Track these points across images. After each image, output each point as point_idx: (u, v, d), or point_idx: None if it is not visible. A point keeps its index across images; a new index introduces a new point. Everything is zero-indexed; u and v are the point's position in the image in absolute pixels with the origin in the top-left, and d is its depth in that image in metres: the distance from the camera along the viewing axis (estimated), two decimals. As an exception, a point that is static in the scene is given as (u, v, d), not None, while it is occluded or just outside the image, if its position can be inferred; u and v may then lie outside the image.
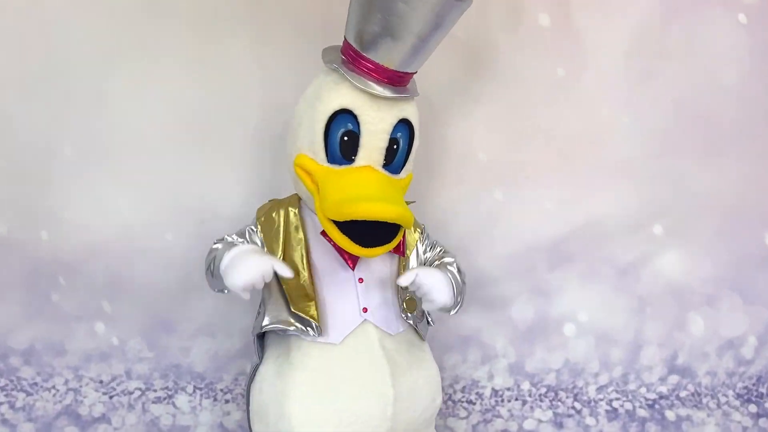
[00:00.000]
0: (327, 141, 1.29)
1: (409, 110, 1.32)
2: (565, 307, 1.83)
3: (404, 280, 1.27)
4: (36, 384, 1.74)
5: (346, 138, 1.28)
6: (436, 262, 1.44)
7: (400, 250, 1.41)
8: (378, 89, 1.25)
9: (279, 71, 1.66)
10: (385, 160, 1.31)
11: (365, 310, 1.35)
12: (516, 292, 1.81)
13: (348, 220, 1.17)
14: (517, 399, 1.80)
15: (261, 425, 1.35)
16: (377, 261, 1.38)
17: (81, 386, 1.74)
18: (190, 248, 1.69)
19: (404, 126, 1.32)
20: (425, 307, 1.31)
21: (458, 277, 1.39)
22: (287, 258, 1.35)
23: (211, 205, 1.71)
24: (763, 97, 1.79)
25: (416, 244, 1.44)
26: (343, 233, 1.20)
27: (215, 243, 1.37)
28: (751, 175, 1.80)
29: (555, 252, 1.80)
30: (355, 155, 1.28)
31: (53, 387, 1.73)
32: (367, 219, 1.16)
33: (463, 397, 1.78)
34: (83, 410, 1.72)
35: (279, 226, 1.38)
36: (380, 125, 1.28)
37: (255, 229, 1.39)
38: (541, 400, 1.81)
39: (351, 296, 1.36)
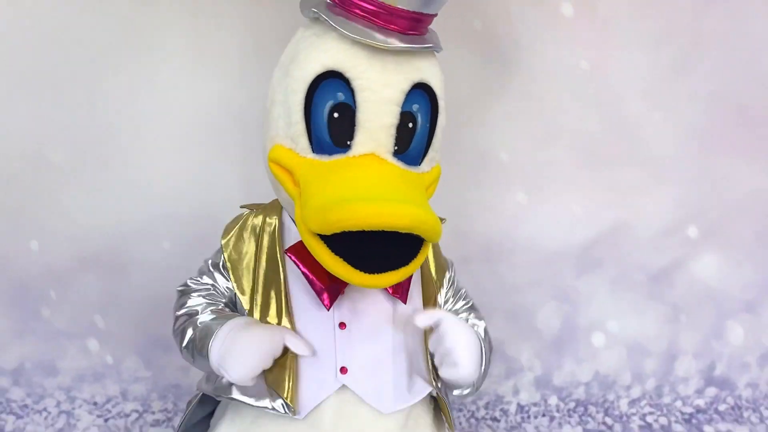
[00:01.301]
0: (309, 121, 0.93)
1: (428, 71, 0.95)
2: (594, 316, 1.79)
3: (424, 320, 0.98)
4: (26, 406, 1.67)
5: (336, 114, 0.92)
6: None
7: (401, 290, 1.01)
8: (380, 38, 0.90)
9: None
10: (396, 145, 0.94)
11: (344, 370, 0.98)
12: (541, 300, 1.76)
13: (338, 231, 0.83)
14: (544, 415, 1.75)
15: None
16: (368, 298, 1.01)
17: (74, 408, 1.68)
18: (189, 257, 1.58)
19: (422, 94, 0.95)
20: (443, 374, 0.99)
21: (486, 346, 1.06)
22: (263, 296, 1.02)
23: (212, 211, 1.61)
24: None
25: (437, 288, 1.10)
26: (335, 253, 0.85)
27: (178, 304, 1.07)
28: None
29: (583, 257, 1.75)
30: (351, 139, 0.92)
31: (44, 409, 1.67)
32: (368, 228, 0.81)
33: (487, 414, 1.72)
34: None
35: (250, 254, 1.05)
36: (386, 92, 0.91)
37: (221, 265, 1.06)
38: (570, 416, 1.76)
39: (325, 349, 0.99)
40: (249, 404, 0.95)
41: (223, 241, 1.06)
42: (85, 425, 1.65)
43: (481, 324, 1.11)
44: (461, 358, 0.94)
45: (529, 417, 1.73)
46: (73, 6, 1.60)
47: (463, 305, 1.12)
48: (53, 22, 1.60)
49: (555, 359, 1.79)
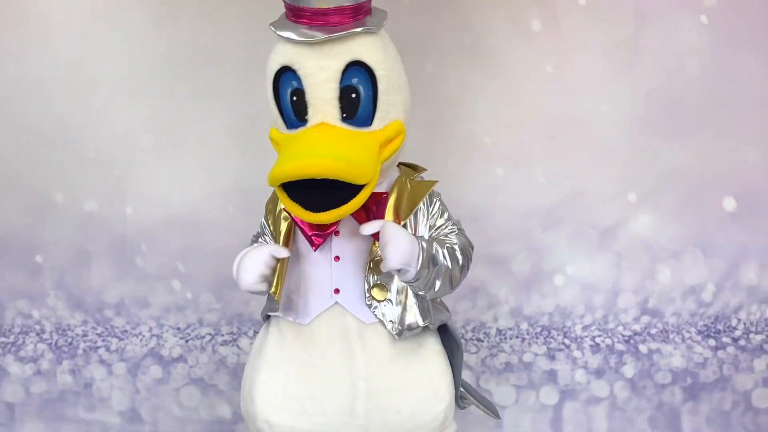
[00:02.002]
0: (280, 106, 1.16)
1: (361, 50, 1.10)
2: (556, 262, 2.13)
3: (366, 228, 1.09)
4: (126, 331, 2.09)
5: (294, 97, 1.13)
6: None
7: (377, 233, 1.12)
8: (307, 34, 1.08)
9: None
10: (344, 113, 1.11)
11: (336, 291, 1.20)
12: (515, 250, 2.11)
13: (276, 184, 1.04)
14: (517, 337, 2.13)
15: (241, 399, 1.29)
16: (358, 239, 1.17)
17: (162, 333, 2.10)
18: (248, 219, 1.97)
19: (360, 70, 1.10)
20: (382, 266, 1.10)
21: (440, 253, 1.14)
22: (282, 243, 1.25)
23: (265, 184, 2.04)
24: (721, 87, 2.10)
25: (413, 215, 1.20)
26: (292, 199, 1.04)
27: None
28: (710, 151, 2.11)
29: (547, 217, 2.11)
30: (306, 114, 1.12)
31: (140, 333, 2.09)
32: (293, 178, 1.01)
33: (473, 336, 2.11)
34: (165, 352, 2.09)
35: (279, 209, 1.28)
36: (322, 74, 1.09)
37: (266, 222, 1.33)
38: (536, 338, 2.14)
39: (324, 275, 1.21)
40: (276, 316, 1.25)
41: (267, 203, 1.37)
42: (171, 345, 2.08)
43: (454, 241, 1.20)
44: (388, 252, 1.05)
45: (505, 338, 2.12)
46: (155, 27, 2.01)
47: (444, 223, 1.23)
48: (143, 40, 2.01)
49: (525, 295, 2.12)
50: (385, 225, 1.08)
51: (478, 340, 2.13)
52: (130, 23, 2.03)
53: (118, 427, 2.09)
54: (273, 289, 1.18)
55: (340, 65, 1.08)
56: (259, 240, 1.31)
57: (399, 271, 1.09)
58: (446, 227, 1.22)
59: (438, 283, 1.13)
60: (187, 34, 2.03)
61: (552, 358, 2.14)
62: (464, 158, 2.06)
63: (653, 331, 2.17)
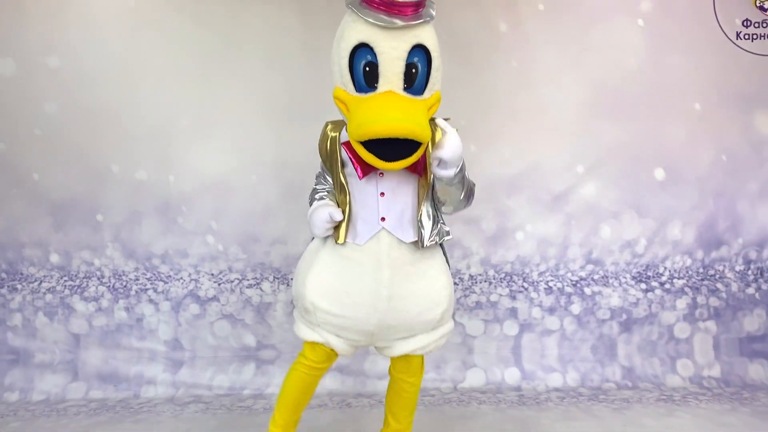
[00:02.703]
0: (353, 73, 1.39)
1: (423, 35, 1.37)
2: (517, 221, 2.59)
3: (442, 123, 1.41)
4: (170, 276, 2.56)
5: (367, 69, 1.37)
6: None
7: (418, 170, 1.46)
8: (386, 20, 1.33)
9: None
10: (405, 83, 1.37)
11: (383, 219, 1.49)
12: (485, 211, 2.56)
13: (366, 140, 1.28)
14: (485, 281, 2.60)
15: (294, 283, 1.64)
16: (399, 179, 1.48)
17: (199, 277, 2.56)
18: (269, 186, 2.50)
19: (420, 51, 1.37)
20: (435, 154, 1.39)
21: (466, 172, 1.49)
22: (335, 177, 1.53)
23: (282, 157, 2.49)
24: (654, 79, 2.55)
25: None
26: (369, 151, 1.32)
27: (312, 192, 1.62)
28: (644, 131, 2.57)
29: (511, 184, 2.57)
30: (377, 83, 1.36)
31: (181, 278, 2.56)
32: (381, 137, 1.26)
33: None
34: (201, 293, 2.56)
35: (328, 154, 1.53)
36: (394, 53, 1.35)
37: (323, 168, 1.59)
38: (501, 282, 2.60)
39: (373, 207, 1.50)
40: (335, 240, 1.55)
41: (319, 151, 1.57)
42: (206, 288, 2.55)
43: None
44: (445, 149, 1.38)
45: (476, 282, 2.59)
46: (191, 26, 2.44)
47: None
48: (181, 36, 2.44)
49: (492, 248, 2.58)
50: (451, 131, 1.42)
51: (455, 283, 2.49)
52: (170, 23, 2.46)
53: (164, 353, 2.56)
54: (337, 235, 1.52)
55: (408, 47, 1.36)
56: (319, 187, 1.61)
57: (446, 169, 1.41)
58: None
59: (463, 192, 1.49)
60: (218, 31, 2.46)
61: (513, 298, 2.62)
62: (444, 137, 2.50)
63: (596, 276, 2.65)
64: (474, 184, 1.56)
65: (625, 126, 2.57)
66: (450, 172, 1.42)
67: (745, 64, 2.59)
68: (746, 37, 2.58)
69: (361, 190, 1.51)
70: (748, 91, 2.59)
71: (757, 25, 2.59)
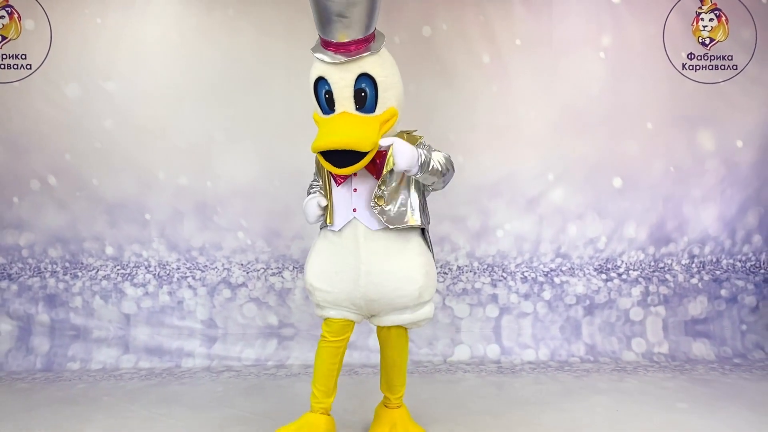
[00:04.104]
0: (318, 100, 1.71)
1: (367, 65, 1.64)
2: (497, 221, 3.02)
3: (385, 141, 1.63)
4: (206, 265, 3.01)
5: (327, 96, 1.68)
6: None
7: (376, 172, 1.72)
8: (333, 58, 1.62)
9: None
10: (357, 104, 1.65)
11: (355, 210, 1.77)
12: (470, 212, 2.99)
13: (317, 151, 1.59)
14: (470, 271, 3.04)
15: (304, 272, 1.94)
16: (368, 178, 1.75)
17: (231, 266, 3.01)
18: (288, 189, 2.92)
19: (366, 78, 1.64)
20: (395, 168, 1.64)
21: (432, 156, 1.70)
22: (322, 178, 1.87)
23: (299, 165, 2.80)
24: (613, 102, 3.00)
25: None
26: (326, 160, 1.61)
27: (309, 187, 1.96)
28: (604, 146, 3.02)
29: (491, 189, 3.00)
30: (334, 106, 1.68)
31: (215, 267, 3.01)
32: (325, 149, 1.55)
33: (441, 270, 3.02)
34: (233, 280, 3.01)
35: (317, 163, 1.86)
36: (342, 82, 1.64)
37: (315, 171, 1.92)
38: (483, 272, 3.05)
39: (347, 201, 1.78)
40: (325, 227, 1.85)
41: (316, 167, 1.94)
42: (236, 275, 2.99)
43: (438, 151, 1.76)
44: (397, 157, 1.61)
45: (462, 272, 3.03)
46: (222, 53, 2.86)
47: (429, 147, 1.78)
48: (214, 62, 2.86)
49: (476, 243, 3.00)
50: (395, 140, 1.64)
51: (444, 273, 3.06)
52: (207, 54, 2.91)
53: (200, 330, 3.00)
54: (326, 218, 1.85)
55: (353, 76, 1.66)
56: (314, 182, 1.93)
57: (409, 171, 1.65)
58: (432, 149, 1.81)
59: (437, 175, 1.72)
60: (246, 62, 2.90)
61: (494, 285, 3.06)
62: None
63: (564, 268, 3.10)
64: (446, 158, 1.79)
65: (588, 141, 3.01)
66: (413, 171, 1.70)
67: (690, 90, 3.04)
68: (691, 68, 3.04)
69: (341, 190, 1.83)
70: (692, 113, 3.05)
71: (700, 57, 3.05)
